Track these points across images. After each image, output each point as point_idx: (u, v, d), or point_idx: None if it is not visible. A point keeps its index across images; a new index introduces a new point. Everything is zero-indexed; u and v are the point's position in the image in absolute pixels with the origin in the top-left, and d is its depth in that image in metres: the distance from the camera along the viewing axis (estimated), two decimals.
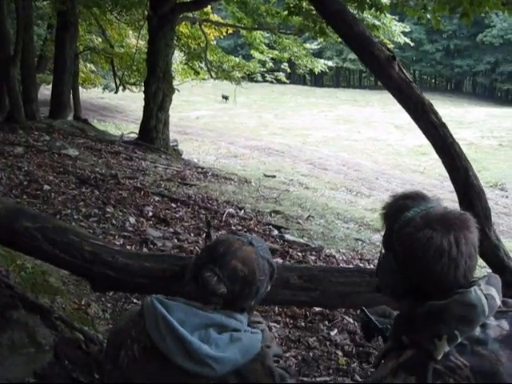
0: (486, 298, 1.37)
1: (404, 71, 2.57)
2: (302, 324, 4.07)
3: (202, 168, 11.92)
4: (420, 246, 1.42)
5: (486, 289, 1.39)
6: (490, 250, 2.80)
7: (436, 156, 2.93)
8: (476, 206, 2.72)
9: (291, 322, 4.09)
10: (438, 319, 1.36)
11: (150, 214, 6.45)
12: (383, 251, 1.57)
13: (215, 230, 6.20)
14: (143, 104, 13.25)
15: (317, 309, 4.20)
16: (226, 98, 37.78)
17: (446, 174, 2.99)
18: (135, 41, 18.30)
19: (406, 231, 1.47)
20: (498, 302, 1.41)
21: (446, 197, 13.18)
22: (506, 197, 14.54)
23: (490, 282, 1.44)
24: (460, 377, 1.30)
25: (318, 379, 3.17)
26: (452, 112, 28.46)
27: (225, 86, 25.01)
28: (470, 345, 1.35)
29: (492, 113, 31.12)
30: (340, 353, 3.63)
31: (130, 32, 19.29)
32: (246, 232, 6.27)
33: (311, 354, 3.59)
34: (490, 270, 3.06)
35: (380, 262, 1.58)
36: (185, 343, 1.58)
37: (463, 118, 27.63)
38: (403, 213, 1.50)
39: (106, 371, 1.76)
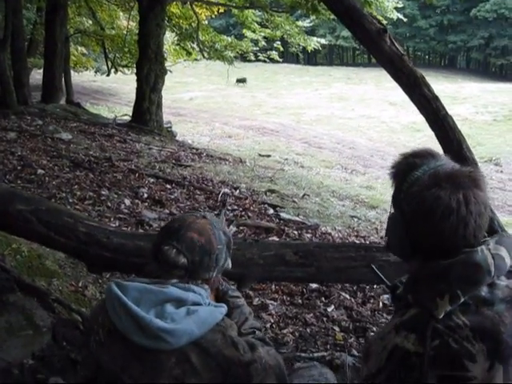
0: (494, 258, 1.34)
1: (395, 44, 2.55)
2: (299, 301, 4.09)
3: (197, 149, 11.90)
4: (428, 205, 1.39)
5: (494, 248, 1.37)
6: None
7: (430, 132, 2.92)
8: None
9: (288, 299, 4.11)
10: (441, 278, 1.35)
11: (145, 195, 6.45)
12: (392, 210, 1.55)
13: (211, 211, 6.21)
14: (136, 86, 13.16)
15: (313, 285, 4.22)
16: (242, 81, 36.63)
17: (441, 150, 2.98)
18: (126, 22, 18.14)
19: (413, 190, 1.44)
20: (509, 262, 1.38)
21: None
22: (501, 171, 14.58)
23: (500, 241, 1.40)
24: (459, 336, 1.30)
25: (316, 354, 3.19)
26: (446, 88, 28.39)
27: (217, 66, 24.83)
28: (475, 305, 1.33)
29: (486, 88, 31.07)
30: (337, 328, 3.65)
31: (121, 13, 19.10)
32: (241, 211, 6.29)
33: (308, 330, 3.61)
34: None
35: (389, 222, 1.56)
36: (138, 320, 1.61)
37: (457, 93, 27.60)
38: (412, 171, 1.47)
39: (82, 358, 1.80)
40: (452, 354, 1.29)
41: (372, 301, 4.16)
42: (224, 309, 1.77)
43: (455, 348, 1.29)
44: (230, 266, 2.06)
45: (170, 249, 1.73)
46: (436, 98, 2.65)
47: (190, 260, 1.73)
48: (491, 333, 1.30)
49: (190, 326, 1.62)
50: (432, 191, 1.38)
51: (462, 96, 27.21)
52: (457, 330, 1.30)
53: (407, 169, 1.48)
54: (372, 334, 2.88)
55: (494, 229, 2.79)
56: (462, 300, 1.32)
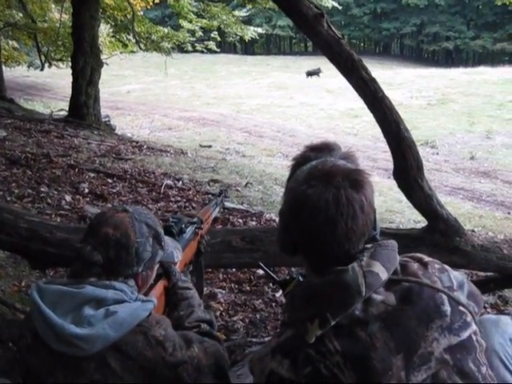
0: (365, 276, 1.28)
1: (332, 28, 2.59)
2: (248, 288, 4.13)
3: (137, 142, 11.77)
4: (297, 202, 1.35)
5: (367, 264, 1.30)
6: (424, 200, 2.90)
7: (367, 118, 2.99)
8: (408, 158, 2.79)
9: (236, 286, 4.14)
10: (311, 301, 1.31)
11: (86, 190, 6.35)
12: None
13: (154, 203, 6.16)
14: (71, 80, 12.85)
15: (261, 272, 4.25)
16: (314, 73, 31.90)
17: (379, 136, 3.05)
18: (58, 15, 17.64)
19: (289, 186, 1.41)
20: (384, 277, 1.31)
21: (379, 157, 13.52)
22: (437, 154, 14.98)
23: (375, 255, 1.34)
24: (331, 362, 1.26)
25: (267, 339, 3.22)
26: (382, 74, 28.85)
27: (154, 57, 24.52)
28: (349, 326, 1.28)
29: (420, 73, 31.74)
30: None
31: (53, 6, 18.55)
32: (185, 202, 6.27)
33: (258, 315, 3.65)
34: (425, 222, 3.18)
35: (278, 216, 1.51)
36: (52, 326, 1.56)
37: (392, 79, 28.11)
38: (303, 165, 1.43)
39: (18, 362, 1.75)
40: (322, 382, 1.26)
41: None
42: (152, 304, 1.69)
43: (326, 375, 1.26)
44: (177, 258, 2.03)
45: (85, 246, 1.68)
46: (373, 81, 2.70)
47: (104, 256, 1.67)
48: (362, 360, 1.26)
49: (104, 331, 1.55)
50: (302, 188, 1.34)
51: (397, 82, 27.73)
52: (328, 356, 1.26)
53: (300, 162, 1.46)
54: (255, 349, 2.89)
55: (432, 206, 2.89)
56: (333, 323, 1.27)
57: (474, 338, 1.35)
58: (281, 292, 4.02)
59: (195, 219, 2.40)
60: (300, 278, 1.59)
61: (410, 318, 1.30)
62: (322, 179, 1.33)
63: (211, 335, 1.88)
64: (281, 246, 1.49)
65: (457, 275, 1.46)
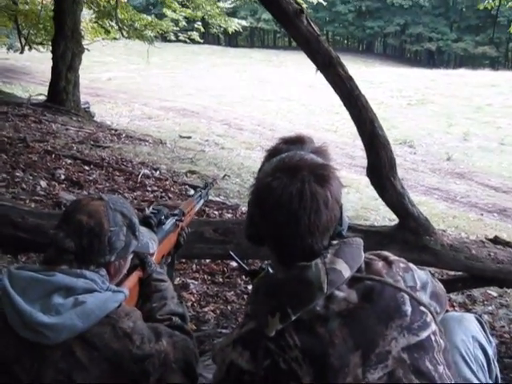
0: (328, 273, 1.29)
1: (312, 25, 2.60)
2: (220, 280, 4.15)
3: (116, 130, 11.68)
4: (262, 194, 1.36)
5: (330, 261, 1.31)
6: (395, 198, 2.94)
7: (348, 115, 3.00)
8: (381, 156, 2.83)
9: (209, 278, 4.16)
10: (274, 295, 1.32)
11: (62, 177, 6.30)
12: None
13: (130, 192, 6.14)
14: (51, 65, 12.70)
15: (234, 264, 4.27)
16: None
17: (358, 133, 3.07)
18: None
19: (257, 177, 1.43)
20: (347, 274, 1.32)
21: (358, 154, 13.58)
22: (414, 153, 15.09)
23: (339, 252, 1.34)
24: (290, 357, 1.27)
25: None
26: (364, 72, 28.99)
27: (137, 45, 24.26)
28: (310, 321, 1.29)
29: (402, 73, 31.90)
30: None
31: None
32: (161, 192, 6.26)
33: (229, 307, 3.67)
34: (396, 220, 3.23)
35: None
36: (20, 313, 1.55)
37: (374, 78, 28.17)
38: (274, 157, 1.43)
39: None
40: (280, 375, 1.27)
41: None
42: (122, 295, 1.69)
43: (284, 369, 1.27)
44: (152, 249, 2.01)
45: (58, 232, 1.68)
46: (350, 78, 2.73)
47: (77, 244, 1.67)
48: (320, 356, 1.27)
49: (71, 321, 1.55)
50: (267, 180, 1.34)
51: (379, 80, 27.77)
52: (287, 351, 1.28)
53: (272, 154, 1.46)
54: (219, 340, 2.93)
55: (404, 204, 2.93)
56: (294, 318, 1.28)
57: (433, 338, 1.36)
58: None
59: (177, 211, 2.39)
60: (269, 269, 1.58)
61: (370, 316, 1.31)
62: (287, 172, 1.34)
63: (182, 329, 1.87)
64: (247, 236, 1.50)
65: (421, 275, 1.47)
